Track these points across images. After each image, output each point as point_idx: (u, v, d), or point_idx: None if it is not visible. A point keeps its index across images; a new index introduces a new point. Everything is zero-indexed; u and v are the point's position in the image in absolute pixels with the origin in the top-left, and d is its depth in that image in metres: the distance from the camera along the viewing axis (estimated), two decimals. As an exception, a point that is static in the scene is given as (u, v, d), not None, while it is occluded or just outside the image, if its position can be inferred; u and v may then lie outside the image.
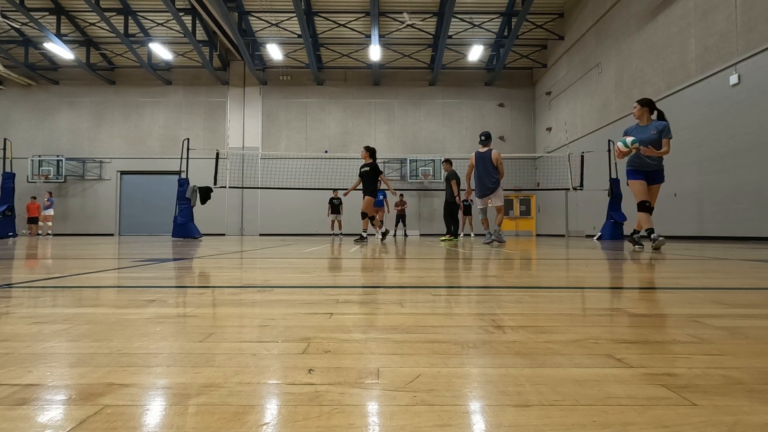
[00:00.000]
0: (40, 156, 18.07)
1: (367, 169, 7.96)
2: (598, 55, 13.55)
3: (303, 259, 3.37)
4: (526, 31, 16.47)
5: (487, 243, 6.52)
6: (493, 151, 6.81)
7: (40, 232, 16.36)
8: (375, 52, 15.89)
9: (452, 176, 9.46)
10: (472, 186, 7.15)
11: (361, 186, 8.09)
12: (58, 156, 18.06)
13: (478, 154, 6.86)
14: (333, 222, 14.35)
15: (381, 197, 12.60)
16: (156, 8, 15.60)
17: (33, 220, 15.77)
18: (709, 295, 1.50)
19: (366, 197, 7.98)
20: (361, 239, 7.82)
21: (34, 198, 16.18)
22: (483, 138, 6.90)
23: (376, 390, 0.59)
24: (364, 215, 7.99)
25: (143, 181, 18.53)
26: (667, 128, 5.07)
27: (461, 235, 14.93)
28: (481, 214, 7.04)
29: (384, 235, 8.07)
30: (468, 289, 1.65)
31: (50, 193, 16.24)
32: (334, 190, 13.99)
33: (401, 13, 15.61)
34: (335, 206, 13.94)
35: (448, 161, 9.92)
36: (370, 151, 8.18)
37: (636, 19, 11.59)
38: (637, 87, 11.53)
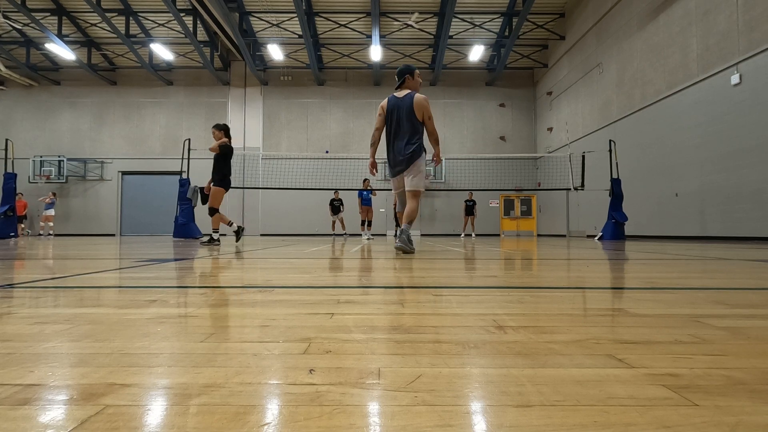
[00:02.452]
0: (41, 156, 18.11)
1: (218, 152, 6.59)
2: (599, 54, 13.54)
3: (304, 260, 3.37)
4: (527, 31, 16.47)
5: (398, 248, 4.07)
6: (416, 96, 4.12)
7: (41, 232, 16.37)
8: (376, 53, 15.89)
9: None
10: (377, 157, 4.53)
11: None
12: (59, 156, 18.10)
13: (392, 101, 4.20)
14: (334, 222, 14.37)
15: (369, 195, 12.54)
16: (157, 9, 15.62)
17: (19, 219, 15.32)
18: (711, 295, 1.50)
19: (213, 187, 6.45)
20: (210, 241, 6.33)
21: (21, 194, 15.89)
22: (403, 76, 4.27)
23: (377, 390, 0.59)
24: (212, 211, 6.37)
25: (144, 182, 18.56)
26: None
27: (462, 235, 14.96)
28: (397, 201, 4.59)
29: (236, 233, 6.47)
30: (469, 289, 1.65)
31: (53, 194, 16.19)
32: (336, 190, 13.97)
33: (402, 13, 15.61)
34: (335, 207, 13.94)
35: None
36: (224, 130, 6.70)
37: (637, 18, 11.58)
38: (638, 87, 11.52)
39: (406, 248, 4.00)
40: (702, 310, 1.19)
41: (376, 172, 4.47)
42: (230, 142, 6.73)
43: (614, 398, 0.56)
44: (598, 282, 1.93)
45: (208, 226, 6.73)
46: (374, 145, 4.40)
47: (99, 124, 18.69)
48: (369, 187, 12.32)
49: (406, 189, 4.23)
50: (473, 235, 15.15)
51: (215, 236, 6.47)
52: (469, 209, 15.02)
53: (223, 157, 6.53)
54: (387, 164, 4.37)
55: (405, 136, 4.13)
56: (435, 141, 4.28)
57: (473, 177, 17.75)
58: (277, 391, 0.59)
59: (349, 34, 16.72)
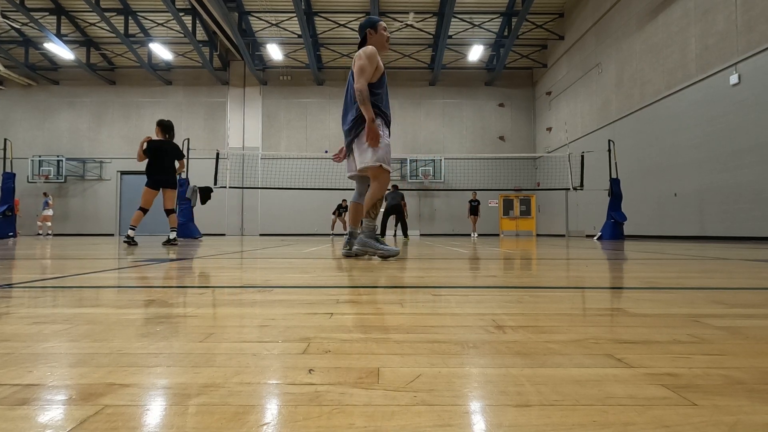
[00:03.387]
0: (40, 156, 18.09)
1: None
2: (598, 54, 13.55)
3: (303, 259, 3.37)
4: (526, 31, 16.49)
5: (348, 253, 3.46)
6: (358, 53, 3.26)
7: (40, 232, 16.32)
8: (375, 52, 15.88)
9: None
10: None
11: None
12: (58, 156, 18.09)
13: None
14: (335, 222, 14.51)
15: None
16: (156, 8, 15.61)
17: None
18: (710, 295, 1.50)
19: (144, 187, 6.23)
20: (129, 240, 5.90)
21: None
22: (363, 32, 3.40)
23: (377, 390, 0.59)
24: (143, 210, 6.15)
25: (143, 182, 18.50)
26: None
27: (473, 236, 14.94)
28: (354, 195, 3.65)
29: (171, 241, 6.15)
30: (468, 288, 1.65)
31: (45, 194, 16.08)
32: (344, 199, 14.38)
33: (401, 13, 15.62)
34: (340, 213, 14.32)
35: (395, 188, 11.30)
36: (162, 126, 6.28)
37: (636, 18, 11.60)
38: (637, 87, 11.54)
39: (361, 250, 3.20)
40: (701, 310, 1.19)
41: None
42: (169, 137, 6.32)
43: (613, 398, 0.56)
44: (597, 282, 1.93)
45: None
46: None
47: (98, 124, 18.67)
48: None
49: (360, 166, 3.28)
50: (472, 235, 15.10)
51: (131, 233, 6.05)
52: (474, 209, 14.84)
53: (153, 153, 6.19)
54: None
55: (352, 103, 3.32)
56: (360, 100, 3.15)
57: (472, 177, 17.76)
58: (276, 390, 0.59)
59: (348, 34, 16.71)
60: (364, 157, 3.24)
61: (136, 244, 5.93)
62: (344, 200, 14.39)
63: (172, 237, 6.28)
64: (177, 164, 6.45)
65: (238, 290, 1.61)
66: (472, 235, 14.97)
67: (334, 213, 14.58)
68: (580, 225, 14.72)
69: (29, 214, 17.45)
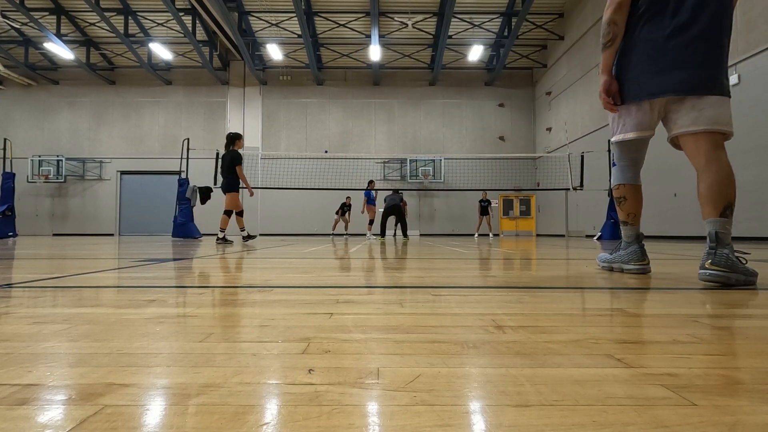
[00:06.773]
0: (40, 156, 18.07)
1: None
2: (598, 54, 13.51)
3: (303, 259, 3.37)
4: (526, 31, 16.48)
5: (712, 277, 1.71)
6: None
7: None
8: (375, 52, 15.89)
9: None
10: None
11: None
12: (58, 156, 18.06)
13: None
14: (337, 222, 14.52)
15: (373, 196, 12.71)
16: (156, 8, 15.60)
17: None
18: (710, 295, 1.50)
19: (227, 193, 7.09)
20: (224, 241, 6.81)
21: None
22: None
23: (376, 390, 0.59)
24: (229, 213, 7.02)
25: (143, 181, 18.53)
26: None
27: (476, 235, 14.91)
28: (625, 172, 2.17)
29: (229, 240, 7.01)
30: (468, 289, 1.65)
31: None
32: (348, 197, 14.37)
33: (401, 13, 15.61)
34: (344, 212, 14.36)
35: (395, 191, 11.44)
36: (228, 138, 7.15)
37: (636, 19, 11.58)
38: (637, 87, 11.52)
39: (732, 278, 1.70)
40: (700, 310, 1.19)
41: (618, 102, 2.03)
42: (227, 148, 7.15)
43: (613, 398, 0.56)
44: (597, 282, 1.93)
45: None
46: (613, 44, 2.00)
47: (98, 124, 18.66)
48: (374, 189, 12.48)
49: (693, 128, 1.83)
50: (491, 235, 14.97)
51: (220, 234, 6.95)
52: (484, 209, 14.44)
53: (228, 162, 7.13)
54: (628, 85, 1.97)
55: (713, 26, 1.79)
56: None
57: (472, 177, 17.75)
58: (276, 390, 0.59)
59: (348, 34, 16.71)
60: (714, 113, 1.79)
61: (230, 243, 6.77)
62: (348, 198, 14.33)
63: (219, 236, 6.85)
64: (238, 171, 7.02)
65: (238, 290, 1.61)
66: (475, 234, 14.92)
67: (337, 213, 14.52)
68: (580, 225, 14.72)
69: (26, 214, 17.39)
